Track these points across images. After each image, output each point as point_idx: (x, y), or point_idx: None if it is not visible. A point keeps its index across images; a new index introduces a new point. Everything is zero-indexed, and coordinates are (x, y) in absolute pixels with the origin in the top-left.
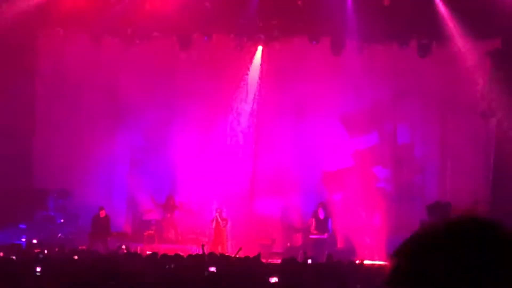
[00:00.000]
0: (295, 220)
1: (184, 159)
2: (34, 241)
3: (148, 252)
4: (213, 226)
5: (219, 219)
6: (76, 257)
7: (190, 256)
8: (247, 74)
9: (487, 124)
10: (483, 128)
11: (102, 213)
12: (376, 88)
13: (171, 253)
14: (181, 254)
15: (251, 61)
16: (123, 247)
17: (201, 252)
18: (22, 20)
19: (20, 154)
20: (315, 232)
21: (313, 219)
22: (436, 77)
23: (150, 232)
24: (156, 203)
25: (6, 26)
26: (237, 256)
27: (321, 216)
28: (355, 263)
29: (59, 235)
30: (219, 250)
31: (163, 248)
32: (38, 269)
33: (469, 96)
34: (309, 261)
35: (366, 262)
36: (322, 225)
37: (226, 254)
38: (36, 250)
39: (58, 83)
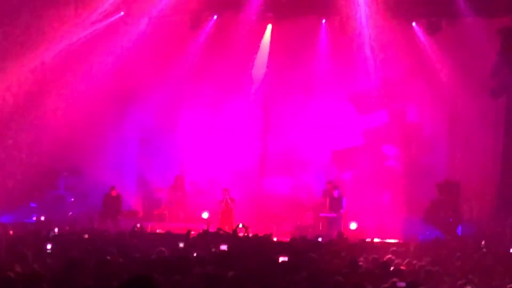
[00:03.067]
0: (305, 199)
1: (193, 139)
2: (42, 218)
3: (158, 231)
4: (222, 206)
5: (228, 199)
6: (86, 236)
7: (199, 235)
8: (256, 53)
9: (497, 103)
10: (493, 106)
11: (114, 192)
12: (386, 67)
13: (181, 232)
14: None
15: (260, 40)
16: (138, 225)
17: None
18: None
19: (30, 133)
20: (328, 210)
21: (327, 198)
22: (446, 55)
23: (160, 210)
24: (166, 182)
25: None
26: (247, 234)
27: (336, 195)
28: (365, 241)
29: (70, 213)
30: (227, 229)
31: (173, 227)
32: (49, 246)
33: (478, 75)
34: (320, 239)
35: (375, 240)
36: (336, 204)
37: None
38: (46, 229)
39: (66, 63)
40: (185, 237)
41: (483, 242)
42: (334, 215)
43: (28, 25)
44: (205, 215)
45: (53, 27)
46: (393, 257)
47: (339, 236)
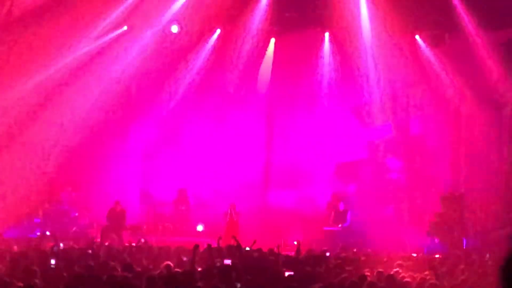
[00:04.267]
0: (309, 212)
1: (197, 152)
2: (47, 233)
3: (162, 245)
4: (227, 219)
5: (233, 213)
6: (90, 251)
7: (204, 249)
8: (259, 66)
9: (501, 115)
10: (497, 118)
11: (118, 207)
12: (389, 79)
13: (185, 246)
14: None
15: (264, 53)
16: (142, 240)
17: (214, 245)
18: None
19: (33, 149)
20: (332, 224)
21: (332, 211)
22: (449, 67)
23: (164, 225)
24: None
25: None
26: (252, 248)
27: (341, 208)
28: (370, 254)
29: (74, 228)
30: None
31: (177, 241)
32: (53, 261)
33: (482, 87)
34: (328, 254)
35: (380, 253)
36: (341, 217)
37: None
38: (50, 244)
39: (70, 77)
40: (193, 252)
41: (487, 255)
42: (338, 228)
43: (31, 40)
44: (199, 227)
45: (57, 42)
46: (399, 270)
47: (343, 249)
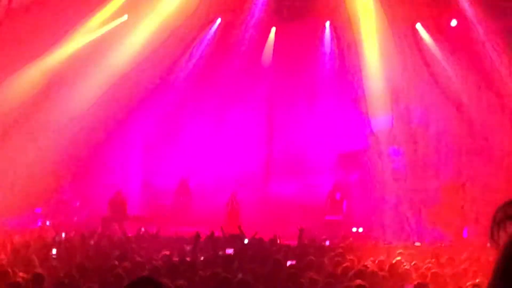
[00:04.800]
0: (311, 202)
1: (198, 143)
2: (47, 223)
3: (163, 235)
4: (228, 209)
5: (234, 203)
6: (92, 241)
7: (206, 238)
8: (260, 56)
9: (503, 102)
10: (499, 106)
11: (119, 197)
12: (390, 68)
13: (186, 236)
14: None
15: (264, 43)
16: (142, 229)
17: (216, 234)
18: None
19: (34, 139)
20: (330, 213)
21: (329, 200)
22: (451, 55)
23: (165, 214)
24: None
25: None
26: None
27: (337, 197)
28: (372, 244)
29: (75, 218)
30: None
31: (178, 231)
32: (54, 251)
33: (484, 75)
34: (327, 242)
35: (382, 242)
36: (337, 206)
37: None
38: (52, 234)
39: (70, 68)
40: (194, 240)
41: (488, 244)
42: (339, 217)
43: (33, 30)
44: None
45: (57, 32)
46: (401, 259)
47: (344, 239)
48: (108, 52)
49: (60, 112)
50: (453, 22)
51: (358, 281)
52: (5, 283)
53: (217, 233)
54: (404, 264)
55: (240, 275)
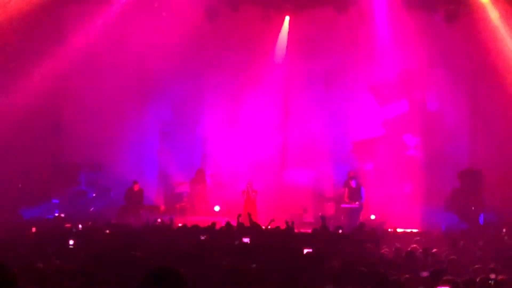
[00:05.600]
0: (326, 190)
1: (213, 131)
2: (62, 215)
3: (180, 224)
4: (244, 198)
5: (250, 191)
6: (108, 231)
7: (223, 227)
8: (274, 45)
9: None
10: None
11: (136, 187)
12: (405, 56)
13: (203, 225)
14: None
15: (278, 31)
16: (159, 220)
17: (234, 223)
18: None
19: (50, 129)
20: (347, 201)
21: (346, 189)
22: (465, 43)
23: (181, 204)
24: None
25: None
26: (269, 227)
27: (353, 185)
28: (388, 231)
29: (91, 209)
30: (248, 220)
31: (194, 220)
32: (71, 242)
33: (499, 61)
34: (340, 230)
35: (398, 230)
36: (354, 194)
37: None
38: (68, 225)
39: (87, 58)
40: (210, 229)
41: (504, 230)
42: (355, 205)
43: (46, 22)
44: (216, 208)
45: (72, 23)
46: (417, 247)
47: (361, 226)
48: (122, 42)
49: (74, 103)
50: (467, 9)
51: (363, 269)
52: (25, 274)
53: (233, 222)
54: (420, 251)
55: (255, 265)
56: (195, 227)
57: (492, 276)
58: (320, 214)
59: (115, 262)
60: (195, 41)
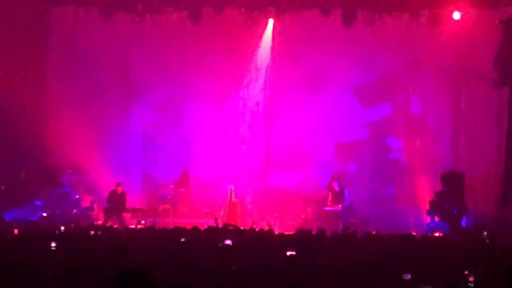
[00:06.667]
0: (310, 193)
1: (197, 134)
2: (44, 215)
3: (163, 227)
4: (227, 201)
5: (232, 196)
6: (92, 233)
7: (205, 229)
8: (258, 48)
9: (500, 93)
10: (496, 97)
11: (119, 189)
12: (388, 59)
13: (185, 228)
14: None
15: (262, 35)
16: (142, 222)
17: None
18: None
19: (33, 131)
20: (331, 204)
21: (329, 191)
22: (448, 47)
23: (165, 206)
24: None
25: (18, 2)
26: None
27: (336, 188)
28: (371, 234)
29: (74, 211)
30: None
31: (177, 223)
32: (53, 244)
33: (481, 66)
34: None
35: (381, 232)
36: (338, 197)
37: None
38: (51, 227)
39: (70, 60)
40: (192, 233)
41: (485, 233)
42: (338, 208)
43: (30, 23)
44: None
45: (56, 25)
46: (399, 250)
47: (344, 229)
48: (106, 44)
49: (57, 104)
50: (456, 15)
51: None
52: (5, 276)
53: (213, 225)
54: (403, 254)
55: (236, 266)
56: (176, 229)
57: (471, 279)
58: (303, 217)
59: (97, 264)
60: (179, 43)
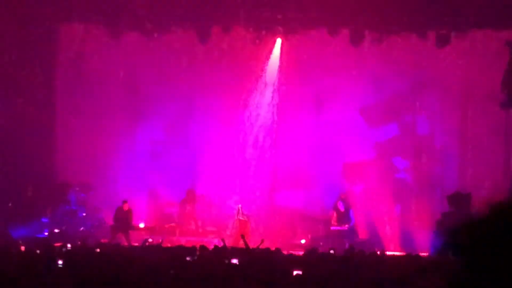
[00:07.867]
0: (317, 212)
1: (204, 152)
2: (54, 232)
3: (169, 245)
4: (236, 218)
5: (242, 212)
6: (98, 250)
7: (212, 248)
8: (266, 67)
9: (507, 114)
10: (503, 118)
11: (125, 206)
12: (395, 80)
13: (191, 247)
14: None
15: (270, 54)
16: (150, 240)
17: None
18: (42, 14)
19: (41, 148)
20: (336, 224)
21: (334, 212)
22: (455, 67)
23: (171, 225)
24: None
25: (27, 19)
26: (259, 248)
27: (341, 208)
28: (377, 254)
29: (81, 228)
30: (241, 243)
31: (184, 241)
32: (60, 262)
33: (488, 86)
34: (332, 251)
35: (387, 253)
36: (343, 217)
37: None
38: (58, 244)
39: (78, 77)
40: (199, 251)
41: None
42: (345, 228)
43: (39, 41)
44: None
45: (65, 42)
46: (406, 270)
47: (350, 249)
48: (114, 62)
49: (65, 122)
50: (458, 33)
51: None
52: None
53: (220, 245)
54: (409, 274)
55: (242, 285)
56: (180, 248)
57: None
58: (309, 236)
59: (105, 282)
60: (187, 62)
